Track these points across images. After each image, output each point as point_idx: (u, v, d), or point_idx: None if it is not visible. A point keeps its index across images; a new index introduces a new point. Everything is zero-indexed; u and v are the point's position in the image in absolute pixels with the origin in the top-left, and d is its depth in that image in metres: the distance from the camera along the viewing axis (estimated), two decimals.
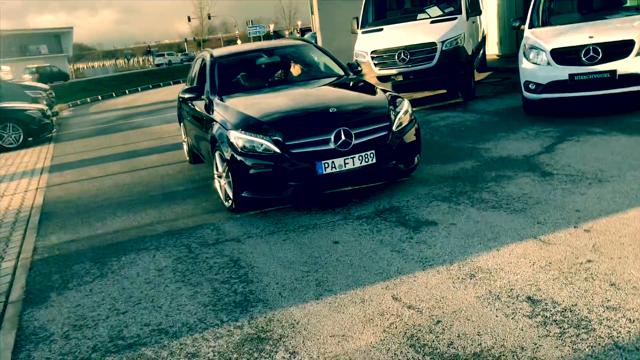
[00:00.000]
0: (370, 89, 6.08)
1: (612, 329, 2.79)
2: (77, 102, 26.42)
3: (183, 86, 7.63)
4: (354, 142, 5.03)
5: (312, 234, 4.69)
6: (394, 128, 5.28)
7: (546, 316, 2.99)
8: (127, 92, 29.58)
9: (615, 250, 3.62)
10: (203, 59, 7.16)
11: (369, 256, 4.09)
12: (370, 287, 3.60)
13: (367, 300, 3.45)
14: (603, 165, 5.39)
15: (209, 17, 67.22)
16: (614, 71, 7.14)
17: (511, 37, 16.42)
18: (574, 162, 5.66)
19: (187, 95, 6.59)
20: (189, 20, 66.38)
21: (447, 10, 10.66)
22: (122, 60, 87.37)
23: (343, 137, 4.99)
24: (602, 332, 2.78)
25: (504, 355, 2.72)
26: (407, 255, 4.00)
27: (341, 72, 6.81)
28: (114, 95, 28.79)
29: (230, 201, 5.49)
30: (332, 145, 4.99)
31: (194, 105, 6.87)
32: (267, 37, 59.47)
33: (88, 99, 27.13)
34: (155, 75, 42.40)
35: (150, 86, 31.66)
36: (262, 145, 5.05)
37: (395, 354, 2.86)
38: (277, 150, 4.99)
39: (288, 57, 7.09)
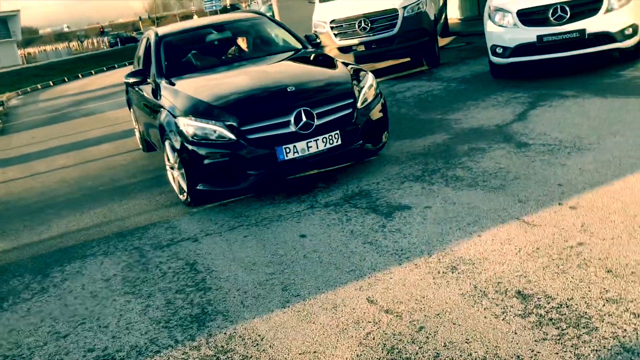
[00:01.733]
0: (330, 63, 5.61)
1: (616, 327, 2.47)
2: (26, 89, 25.16)
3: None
4: (317, 123, 4.63)
5: (276, 228, 4.27)
6: (358, 105, 4.87)
7: (540, 314, 2.66)
8: (80, 76, 28.33)
9: (606, 229, 3.31)
10: (148, 39, 6.56)
11: (340, 250, 3.70)
12: (343, 289, 3.22)
13: (339, 306, 3.07)
14: (580, 132, 5.09)
15: None
16: (583, 30, 6.82)
17: (472, 3, 16.04)
18: (549, 129, 5.35)
19: (131, 80, 5.93)
20: None
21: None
22: (76, 42, 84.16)
23: (304, 119, 4.58)
24: (605, 331, 2.46)
25: None
26: (380, 247, 3.62)
27: (298, 46, 6.33)
28: (66, 80, 27.53)
29: (185, 194, 5.02)
30: (292, 128, 4.57)
31: (141, 90, 6.30)
32: (225, 10, 57.84)
33: (39, 85, 25.88)
34: (110, 56, 40.86)
35: (105, 68, 30.42)
36: (215, 132, 4.59)
37: None
38: (232, 136, 4.54)
39: (240, 32, 6.55)
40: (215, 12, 55.09)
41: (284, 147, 4.54)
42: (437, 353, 2.54)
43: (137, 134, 7.78)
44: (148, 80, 5.87)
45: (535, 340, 2.49)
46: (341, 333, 2.83)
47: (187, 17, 67.56)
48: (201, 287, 3.58)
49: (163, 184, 5.95)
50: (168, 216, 5.00)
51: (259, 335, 2.94)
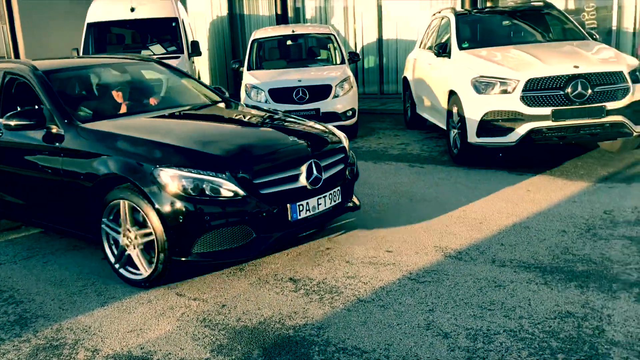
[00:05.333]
0: (296, 118, 5.11)
1: (354, 290, 3.72)
2: None
3: None
4: (324, 177, 4.17)
5: (74, 255, 4.70)
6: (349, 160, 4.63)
7: (307, 289, 3.79)
8: None
9: (344, 240, 4.67)
10: (15, 75, 4.93)
11: None
12: (153, 290, 3.91)
13: (153, 300, 3.76)
14: None
15: None
16: (318, 109, 8.71)
17: (221, 79, 17.84)
18: None
19: (14, 123, 4.33)
20: None
21: (170, 49, 11.28)
22: None
23: (315, 172, 4.09)
24: (348, 293, 3.69)
25: (282, 319, 3.40)
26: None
27: (216, 97, 5.53)
28: None
29: (149, 267, 3.89)
30: (303, 182, 4.03)
31: (19, 138, 4.63)
32: None
33: None
34: None
35: None
36: (217, 185, 3.74)
37: (194, 334, 3.29)
38: (241, 191, 3.78)
39: (140, 76, 5.77)
40: None
41: (297, 204, 3.97)
42: (239, 317, 3.46)
43: None
44: (47, 125, 4.40)
45: (305, 302, 3.60)
46: (160, 316, 3.54)
47: None
48: (11, 302, 3.87)
49: None
50: None
51: (86, 325, 3.47)
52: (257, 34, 10.54)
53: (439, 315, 3.32)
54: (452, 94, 6.91)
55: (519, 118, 6.06)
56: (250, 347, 3.13)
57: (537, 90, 6.02)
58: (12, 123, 4.35)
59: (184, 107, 5.19)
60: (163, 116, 4.85)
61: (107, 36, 11.69)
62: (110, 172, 3.93)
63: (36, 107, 4.67)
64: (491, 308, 3.37)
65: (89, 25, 11.18)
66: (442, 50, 7.53)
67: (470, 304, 3.43)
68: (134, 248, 3.92)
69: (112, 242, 4.09)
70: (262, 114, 5.22)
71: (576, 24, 7.92)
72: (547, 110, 5.98)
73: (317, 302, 3.59)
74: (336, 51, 10.15)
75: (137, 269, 3.95)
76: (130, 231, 3.91)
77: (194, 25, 14.96)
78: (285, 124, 4.78)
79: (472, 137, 6.39)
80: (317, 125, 4.81)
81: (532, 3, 8.99)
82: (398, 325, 3.24)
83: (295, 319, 3.39)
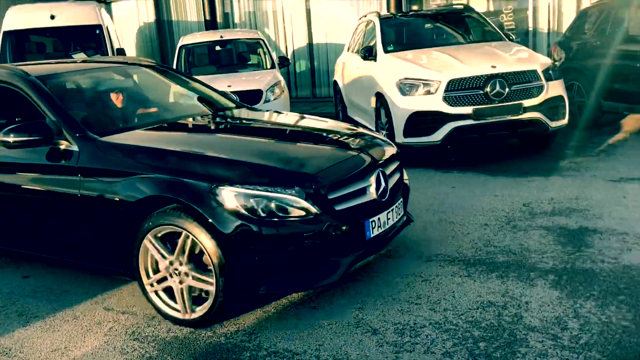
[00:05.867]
0: (336, 122, 4.75)
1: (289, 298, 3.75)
2: None
3: None
4: (389, 187, 3.74)
5: None
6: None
7: None
8: None
9: None
10: (8, 83, 4.15)
11: (69, 280, 4.22)
12: (80, 305, 3.80)
13: (79, 316, 3.65)
14: None
15: None
16: None
17: None
18: None
19: (12, 139, 3.67)
20: None
21: (94, 57, 10.95)
22: None
23: (383, 183, 3.64)
24: (283, 302, 3.71)
25: (213, 327, 3.38)
26: (107, 274, 4.29)
27: (230, 103, 5.00)
28: None
29: (204, 307, 3.31)
30: (373, 195, 3.56)
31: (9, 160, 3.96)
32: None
33: None
34: None
35: None
36: (283, 202, 3.21)
37: (122, 348, 3.23)
38: (314, 208, 3.26)
39: (141, 81, 5.17)
40: None
41: (370, 220, 3.51)
42: (169, 329, 3.41)
43: None
44: (55, 140, 3.73)
45: (237, 308, 3.59)
46: (86, 332, 3.44)
47: None
48: None
49: None
50: None
51: (5, 348, 3.33)
52: (185, 39, 10.41)
53: (368, 312, 3.39)
54: (379, 96, 7.06)
55: (442, 118, 6.27)
56: (181, 357, 3.10)
57: (458, 90, 6.25)
58: (11, 139, 3.69)
59: (205, 114, 4.73)
60: (196, 126, 4.37)
61: (27, 45, 11.22)
62: (152, 193, 3.32)
63: (17, 119, 4.23)
64: (418, 302, 3.47)
65: (5, 33, 10.71)
66: (369, 53, 7.68)
67: (398, 299, 3.53)
68: (183, 276, 3.35)
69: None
70: (298, 118, 4.80)
71: (494, 25, 8.29)
72: (468, 109, 6.22)
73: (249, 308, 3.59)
74: (266, 56, 10.16)
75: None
76: (182, 263, 3.31)
77: (120, 32, 14.58)
78: (333, 129, 4.35)
79: (399, 138, 6.55)
80: (363, 130, 4.38)
81: (454, 6, 9.36)
82: (329, 325, 3.29)
83: (227, 326, 3.38)
